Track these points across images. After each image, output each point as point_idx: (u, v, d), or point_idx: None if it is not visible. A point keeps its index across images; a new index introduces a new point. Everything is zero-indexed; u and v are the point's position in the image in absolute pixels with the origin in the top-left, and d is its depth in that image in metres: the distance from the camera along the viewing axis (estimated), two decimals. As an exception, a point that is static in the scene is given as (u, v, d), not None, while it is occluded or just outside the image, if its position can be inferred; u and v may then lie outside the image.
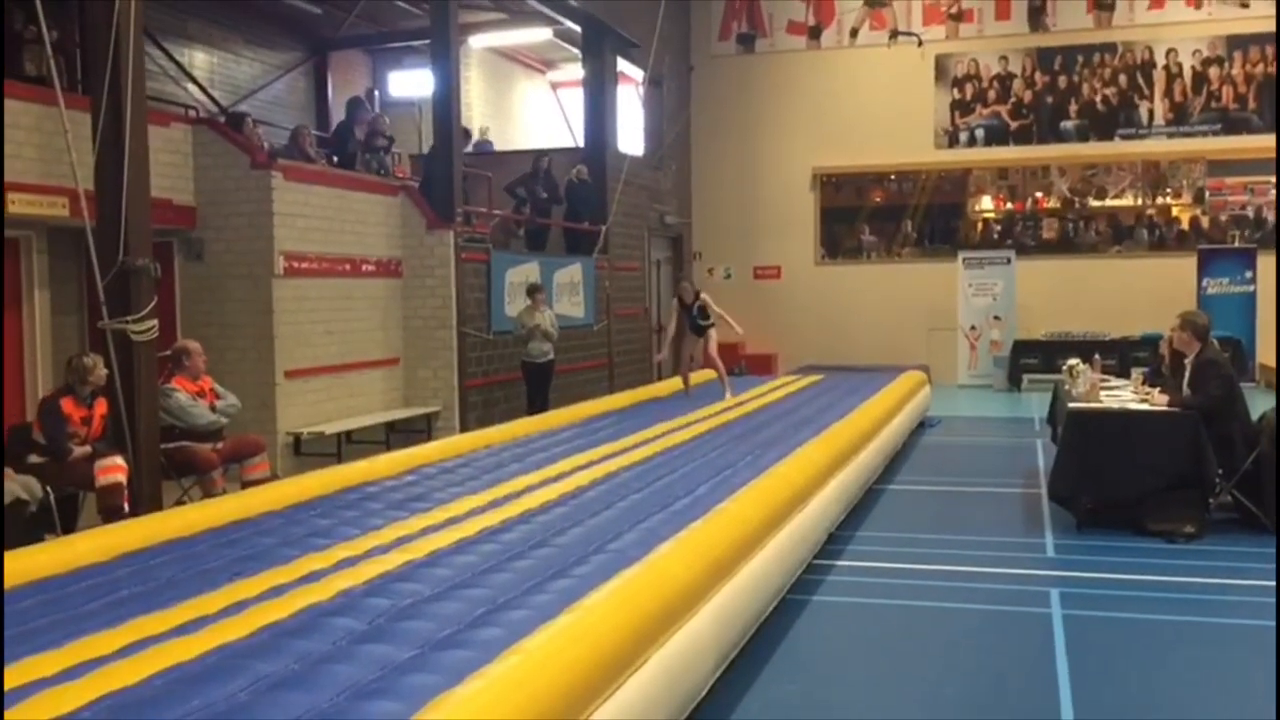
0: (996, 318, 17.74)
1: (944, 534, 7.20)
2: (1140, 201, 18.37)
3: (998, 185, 19.00)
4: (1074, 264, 18.43)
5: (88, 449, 6.63)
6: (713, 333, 10.78)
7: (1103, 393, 8.05)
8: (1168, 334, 8.12)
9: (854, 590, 5.93)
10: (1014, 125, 18.83)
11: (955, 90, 19.02)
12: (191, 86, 12.35)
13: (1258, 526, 6.92)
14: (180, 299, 9.28)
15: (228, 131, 9.58)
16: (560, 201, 14.05)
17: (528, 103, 18.27)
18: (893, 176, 19.37)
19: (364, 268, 10.55)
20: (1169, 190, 18.24)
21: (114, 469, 6.52)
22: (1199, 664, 4.78)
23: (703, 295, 10.87)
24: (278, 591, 3.86)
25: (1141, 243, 18.33)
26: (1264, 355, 16.11)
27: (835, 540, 6.77)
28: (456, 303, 11.08)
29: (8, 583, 3.95)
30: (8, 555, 4.23)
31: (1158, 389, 7.69)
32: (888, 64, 18.60)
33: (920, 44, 18.16)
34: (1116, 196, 18.46)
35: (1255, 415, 7.27)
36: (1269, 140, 17.15)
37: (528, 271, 12.45)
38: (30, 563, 4.23)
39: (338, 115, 13.26)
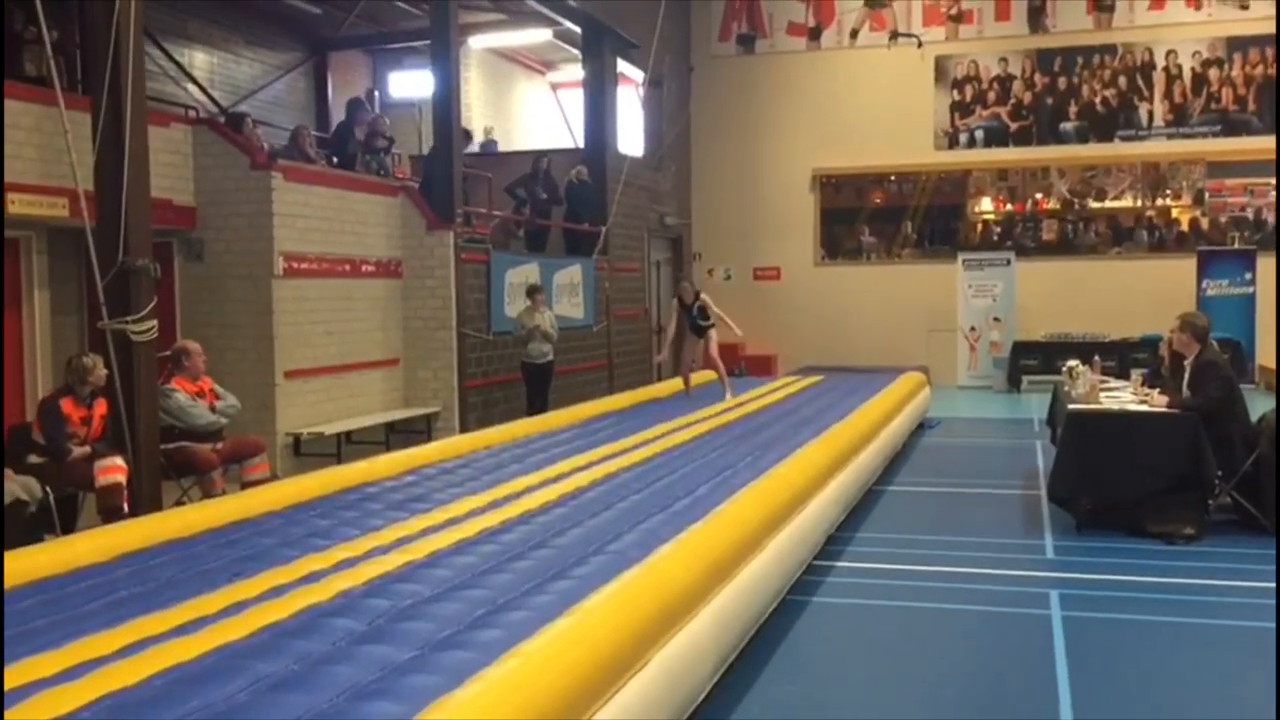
0: (996, 319, 17.74)
1: (943, 535, 7.19)
2: (1140, 203, 18.37)
3: (997, 186, 19.01)
4: (1074, 265, 18.43)
5: (87, 449, 6.63)
6: (713, 333, 10.77)
7: (1102, 394, 8.05)
8: (1167, 335, 8.13)
9: (853, 591, 5.93)
10: (1014, 126, 18.83)
11: (955, 91, 19.02)
12: (191, 87, 12.35)
13: (1257, 528, 6.92)
14: (180, 299, 9.28)
15: (228, 132, 9.58)
16: (560, 202, 14.06)
17: (527, 104, 18.27)
18: (892, 178, 19.38)
19: (364, 268, 10.55)
20: (1169, 192, 18.25)
21: (113, 469, 6.51)
22: (1198, 665, 4.78)
23: (703, 296, 10.86)
24: (277, 592, 3.86)
25: (1141, 244, 18.34)
26: (1263, 357, 16.12)
27: (835, 541, 6.77)
28: (456, 303, 11.08)
29: (7, 583, 3.95)
30: (7, 555, 4.23)
31: (1157, 390, 7.69)
32: (888, 65, 18.61)
33: (920, 45, 18.17)
34: (1116, 198, 18.47)
35: (1255, 417, 7.27)
36: (1269, 142, 17.15)
37: (527, 272, 12.45)
38: (30, 563, 4.23)
39: (338, 116, 13.26)
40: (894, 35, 18.30)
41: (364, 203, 10.61)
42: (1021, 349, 17.25)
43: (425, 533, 4.82)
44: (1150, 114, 18.28)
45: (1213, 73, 17.98)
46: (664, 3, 13.71)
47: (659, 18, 13.80)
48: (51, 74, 6.99)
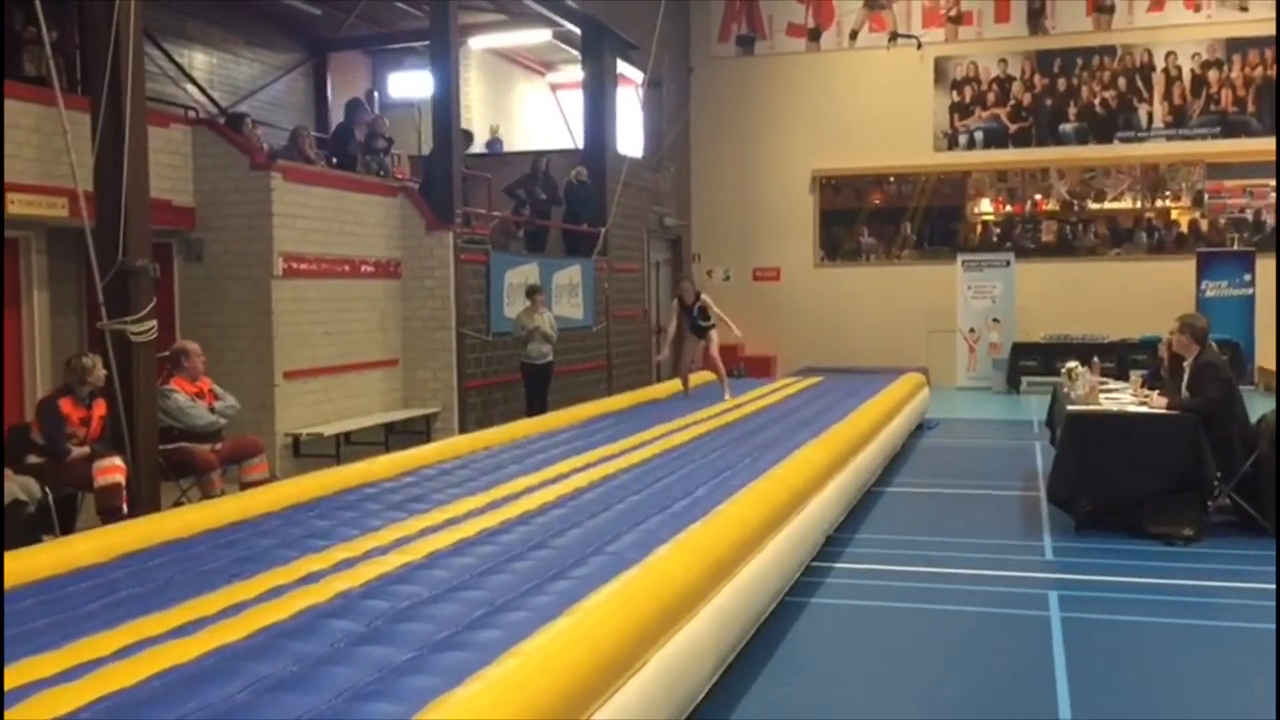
0: (995, 320, 17.75)
1: (942, 536, 7.19)
2: (1139, 204, 18.38)
3: (997, 188, 19.01)
4: (1073, 266, 18.44)
5: (86, 450, 6.63)
6: (713, 334, 10.72)
7: (1101, 395, 8.06)
8: (1166, 337, 8.13)
9: (853, 592, 5.92)
10: (1013, 128, 18.84)
11: (954, 93, 19.03)
12: (191, 87, 12.35)
13: (1256, 529, 6.93)
14: (179, 300, 9.28)
15: (227, 132, 9.58)
16: (559, 203, 14.06)
17: (527, 104, 18.27)
18: (892, 179, 19.39)
19: (363, 269, 10.54)
20: (1168, 193, 18.26)
21: (112, 470, 6.51)
22: (1197, 667, 4.78)
23: (703, 296, 10.81)
24: (276, 593, 3.86)
25: (1140, 245, 18.35)
26: (1263, 358, 16.13)
27: (834, 542, 6.77)
28: (455, 304, 11.08)
29: (6, 583, 3.95)
30: (6, 556, 4.23)
31: (1156, 391, 7.69)
32: (887, 66, 18.61)
33: (919, 46, 18.18)
34: (1115, 199, 18.47)
35: (1254, 418, 7.27)
36: (1268, 143, 17.16)
37: (527, 273, 12.45)
38: (29, 563, 4.23)
39: (337, 116, 13.26)
40: (893, 36, 18.30)
41: (363, 203, 10.61)
42: (1021, 350, 17.26)
43: (424, 533, 4.82)
44: (1150, 115, 18.29)
45: (1212, 74, 17.99)
46: (663, 4, 13.71)
47: (658, 19, 13.80)
48: (51, 74, 6.99)
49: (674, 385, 11.74)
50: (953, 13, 18.91)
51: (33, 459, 6.52)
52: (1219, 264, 17.00)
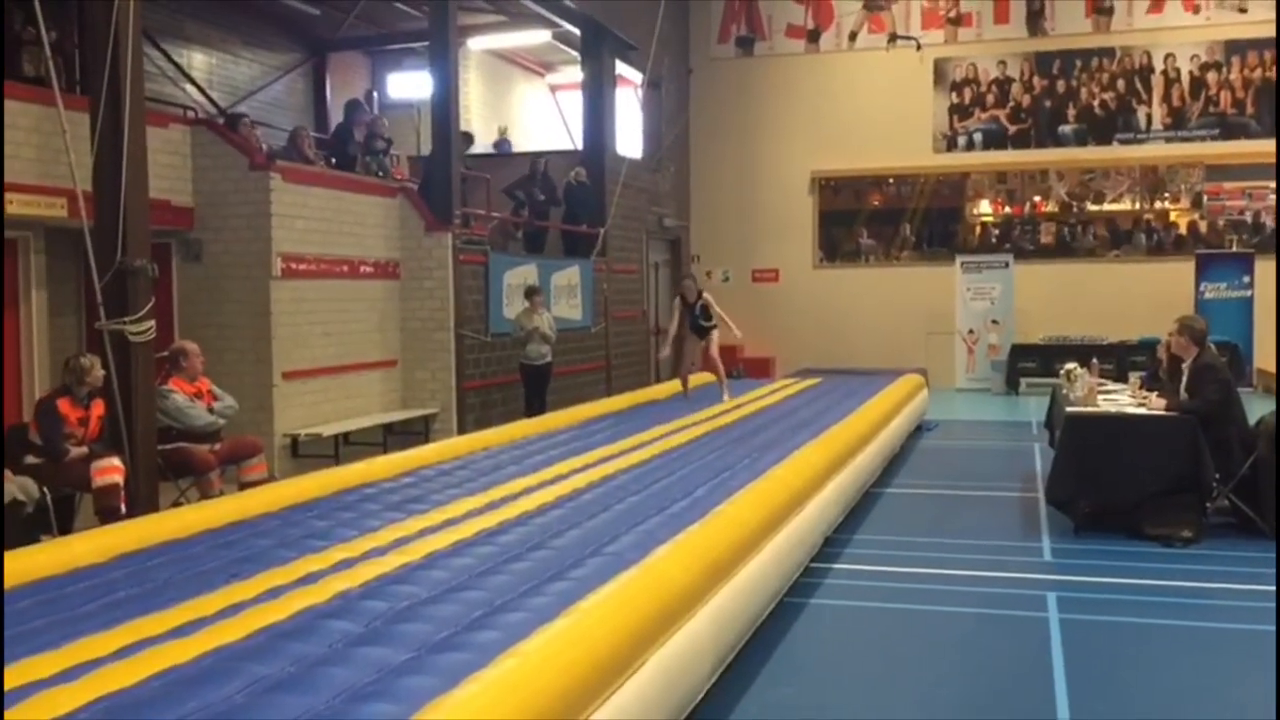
0: (994, 321, 17.75)
1: (941, 537, 7.19)
2: (1138, 206, 18.39)
3: (996, 189, 19.02)
4: (1072, 268, 18.45)
5: (84, 450, 6.63)
6: (715, 335, 10.61)
7: (1100, 397, 8.06)
8: (1165, 338, 8.13)
9: (851, 593, 5.92)
10: (1012, 129, 18.85)
11: (954, 94, 19.04)
12: (190, 88, 12.34)
13: (1255, 531, 6.93)
14: (178, 300, 9.27)
15: (226, 133, 9.58)
16: (558, 203, 14.06)
17: (526, 105, 18.28)
18: (891, 180, 19.40)
19: (362, 269, 10.54)
20: (1167, 195, 18.27)
21: (111, 470, 6.50)
22: (1195, 668, 4.78)
23: (705, 295, 10.65)
24: (275, 593, 3.85)
25: (1139, 247, 18.36)
26: (1261, 360, 16.13)
27: (833, 543, 6.77)
28: (454, 304, 11.07)
29: (4, 584, 3.94)
30: (4, 556, 4.22)
31: (1155, 393, 7.69)
32: (886, 68, 18.62)
33: (919, 48, 18.19)
34: (1114, 201, 18.49)
35: (1252, 420, 7.27)
36: (1267, 145, 17.17)
37: (526, 273, 12.46)
38: (27, 564, 4.22)
39: (336, 117, 13.26)
40: (893, 38, 18.32)
41: (362, 204, 10.61)
42: (1020, 351, 17.26)
43: (423, 534, 4.82)
44: (1149, 117, 18.30)
45: (1211, 76, 18.01)
46: (663, 5, 13.72)
47: (658, 19, 13.81)
48: (50, 74, 6.98)
49: (673, 386, 11.74)
50: (952, 14, 18.92)
51: (31, 459, 6.52)
52: (1218, 266, 17.01)
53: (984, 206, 19.06)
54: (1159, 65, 18.19)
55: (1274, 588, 5.72)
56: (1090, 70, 18.45)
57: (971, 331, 17.90)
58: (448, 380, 11.10)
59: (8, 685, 2.93)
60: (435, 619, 3.47)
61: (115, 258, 6.94)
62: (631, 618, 3.47)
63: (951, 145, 19.10)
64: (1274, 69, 17.59)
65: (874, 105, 18.98)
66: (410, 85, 15.45)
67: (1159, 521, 6.86)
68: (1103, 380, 9.13)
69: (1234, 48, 17.87)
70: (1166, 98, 18.20)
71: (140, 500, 6.78)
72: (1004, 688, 4.58)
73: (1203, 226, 18.11)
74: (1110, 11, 18.31)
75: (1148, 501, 6.89)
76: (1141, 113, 18.32)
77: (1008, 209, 18.96)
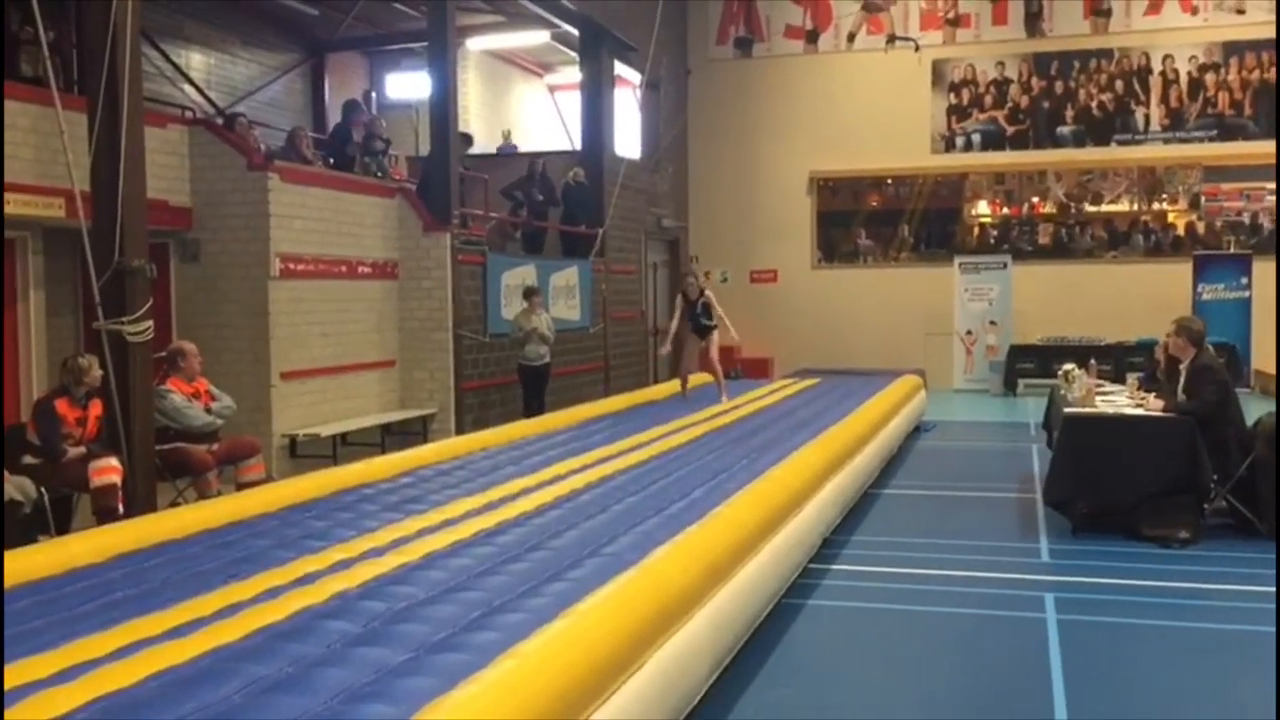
0: (992, 322, 17.76)
1: (939, 538, 7.20)
2: (1136, 207, 18.41)
3: (994, 190, 19.03)
4: (1070, 269, 18.46)
5: (82, 450, 6.62)
6: (715, 335, 10.46)
7: (1098, 398, 8.06)
8: (1163, 339, 8.13)
9: (849, 594, 5.93)
10: (1010, 130, 18.87)
11: (952, 95, 19.05)
12: (188, 88, 12.34)
13: (1252, 532, 6.93)
14: (176, 300, 9.27)
15: (224, 133, 9.58)
16: (556, 204, 14.06)
17: (525, 106, 18.28)
18: (889, 181, 19.41)
19: (360, 269, 10.54)
20: (1165, 196, 18.29)
21: (108, 470, 6.50)
22: (1193, 669, 4.79)
23: (707, 292, 10.49)
24: (272, 594, 3.85)
25: (1137, 248, 18.37)
26: (1259, 361, 16.15)
27: (831, 544, 6.77)
28: (453, 305, 11.07)
29: (3, 584, 3.94)
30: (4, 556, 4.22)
31: (1153, 394, 7.70)
32: (885, 69, 18.63)
33: (917, 49, 18.20)
34: (1112, 202, 18.50)
35: (1250, 421, 7.28)
36: (1265, 146, 17.20)
37: (524, 274, 12.45)
38: (24, 564, 4.22)
39: (335, 117, 13.25)
40: (891, 39, 18.31)
41: (360, 204, 10.61)
42: (1018, 352, 17.27)
43: (421, 535, 4.82)
44: (1147, 118, 18.32)
45: (1209, 77, 18.03)
46: (661, 6, 13.72)
47: (656, 20, 13.82)
48: (48, 74, 6.98)
49: (671, 387, 11.73)
50: (950, 15, 18.93)
51: (28, 459, 6.51)
52: (1215, 267, 17.03)
53: (982, 207, 19.08)
54: (1157, 66, 18.21)
55: (1271, 588, 5.73)
56: (1088, 71, 18.47)
57: (970, 332, 17.92)
58: (446, 381, 11.09)
59: (6, 685, 2.93)
60: (433, 620, 3.47)
61: (113, 258, 6.94)
62: (630, 619, 3.47)
63: (950, 146, 19.11)
64: (1272, 70, 17.61)
65: (872, 106, 18.99)
66: (409, 86, 15.45)
67: (1156, 522, 6.87)
68: (1100, 381, 9.13)
69: (1232, 49, 17.89)
70: (1164, 99, 18.22)
71: (138, 500, 6.77)
72: (1002, 688, 4.58)
73: (1200, 227, 18.13)
74: (1108, 13, 18.33)
75: (1145, 502, 6.90)
76: (1139, 114, 18.33)
77: (1006, 210, 18.97)
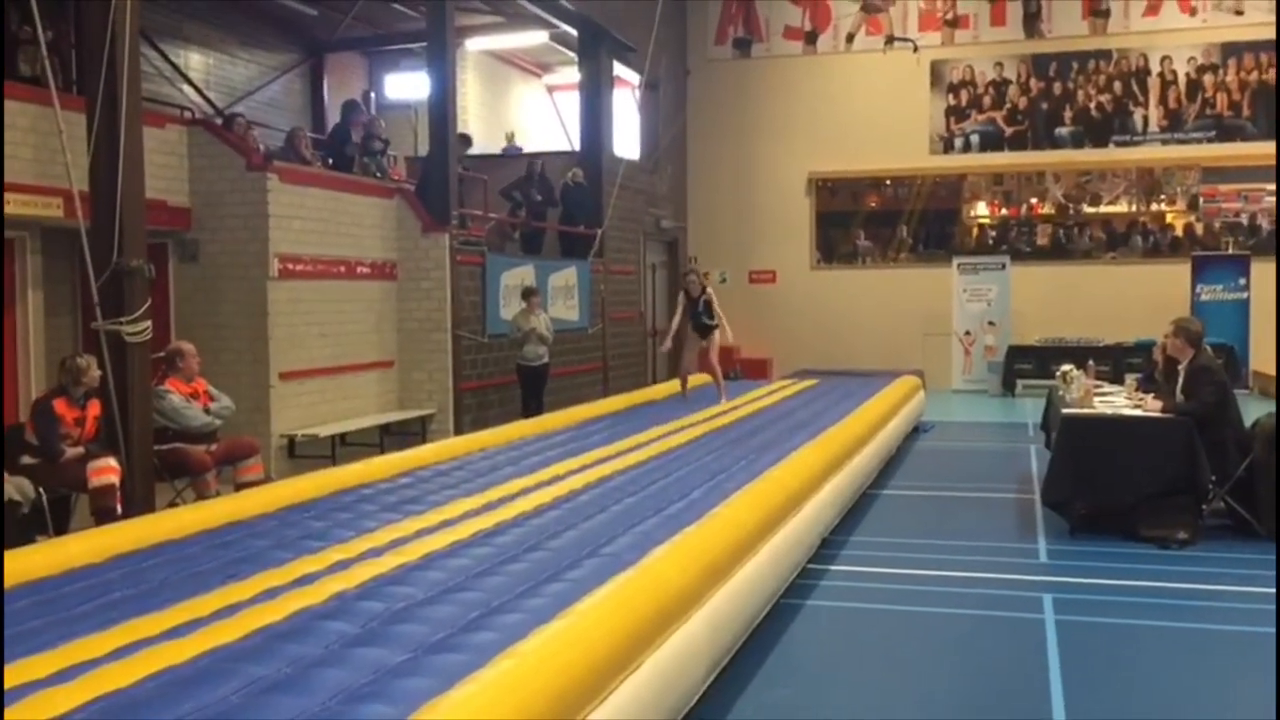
0: (991, 323, 17.77)
1: (938, 539, 7.20)
2: (1134, 208, 18.42)
3: (993, 191, 19.04)
4: (1068, 270, 18.47)
5: (80, 450, 6.62)
6: (716, 336, 10.39)
7: (1096, 399, 8.07)
8: (1161, 340, 8.13)
9: (848, 595, 5.93)
10: (1009, 131, 18.88)
11: (950, 96, 19.06)
12: (187, 88, 12.34)
13: (1251, 533, 6.94)
14: (175, 300, 9.27)
15: (223, 133, 9.58)
16: (555, 204, 14.06)
17: (524, 106, 18.28)
18: (888, 182, 19.41)
19: (359, 270, 10.54)
20: (1163, 197, 18.30)
21: (107, 470, 6.50)
22: (1191, 670, 4.79)
23: (709, 290, 10.40)
24: (271, 594, 3.85)
25: (1136, 249, 18.38)
26: (1257, 362, 16.16)
27: (829, 545, 6.78)
28: (451, 305, 11.07)
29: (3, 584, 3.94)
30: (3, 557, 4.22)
31: (1151, 395, 7.70)
32: (883, 70, 18.64)
33: (916, 50, 18.21)
34: (1111, 203, 18.51)
35: (1248, 422, 7.28)
36: (1263, 147, 17.22)
37: (523, 274, 12.45)
38: (23, 564, 4.22)
39: (333, 117, 13.25)
40: (890, 40, 18.32)
41: (359, 204, 10.61)
42: (1016, 353, 17.28)
43: (419, 535, 4.81)
44: (1145, 119, 18.33)
45: (1207, 78, 18.04)
46: (660, 6, 13.72)
47: (655, 21, 13.81)
48: (47, 74, 6.98)
49: (670, 387, 11.73)
50: (949, 16, 18.94)
51: (27, 459, 6.51)
52: (1214, 268, 17.04)
53: (981, 208, 19.08)
54: (1155, 67, 18.22)
55: (1269, 589, 5.74)
56: (1087, 72, 18.48)
57: (968, 333, 17.92)
58: (445, 381, 11.09)
59: (4, 685, 2.93)
60: (432, 620, 3.47)
61: (112, 258, 6.94)
62: (628, 619, 3.47)
63: (948, 147, 19.12)
64: (1270, 71, 17.63)
65: (871, 107, 19.00)
66: (408, 86, 15.45)
67: (1155, 523, 6.87)
68: (1099, 382, 9.14)
69: (1230, 50, 17.90)
70: (1163, 100, 18.23)
71: (136, 501, 6.77)
72: (1000, 689, 4.58)
73: (1199, 229, 18.14)
74: (1107, 14, 18.35)
75: (1144, 503, 6.90)
76: (1138, 115, 18.35)
77: (1004, 211, 18.98)
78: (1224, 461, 6.97)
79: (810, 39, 19.60)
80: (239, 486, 7.29)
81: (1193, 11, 17.97)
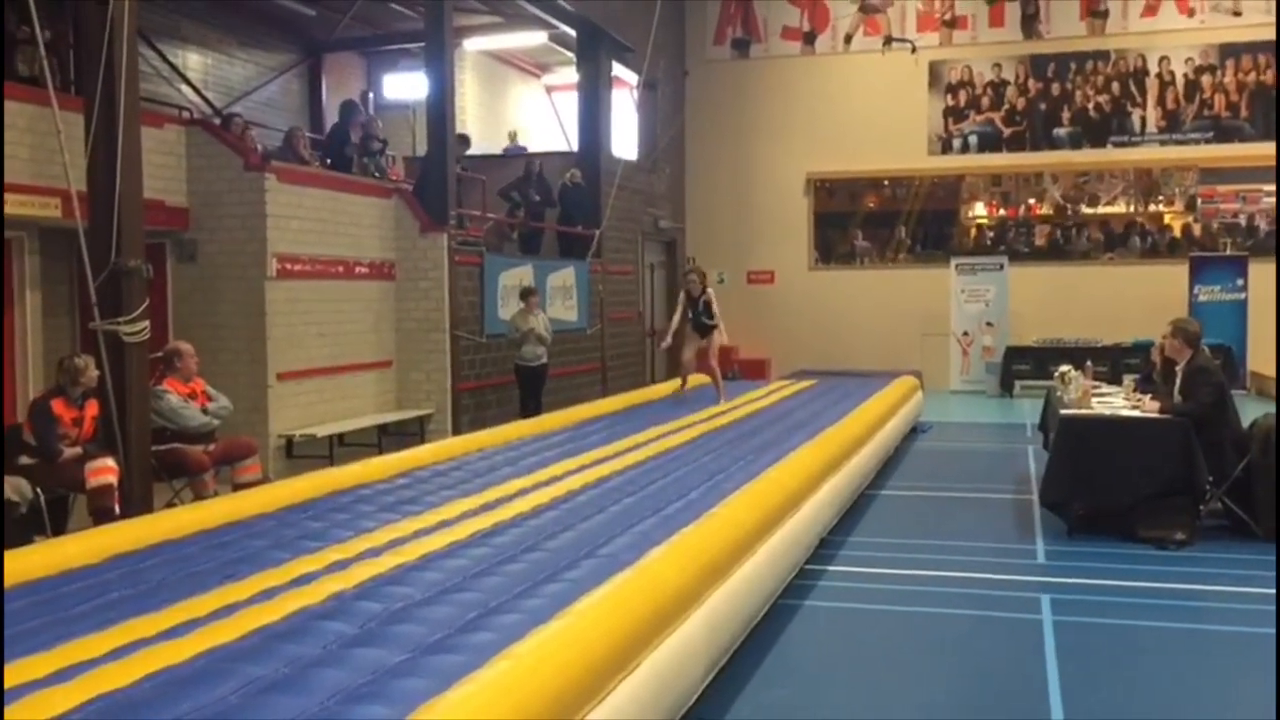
0: (989, 324, 17.78)
1: (936, 539, 7.21)
2: (1132, 209, 18.43)
3: (991, 192, 19.05)
4: (1066, 270, 18.48)
5: (78, 450, 6.61)
6: (715, 336, 10.39)
7: (1094, 399, 8.07)
8: (1159, 341, 8.15)
9: (846, 595, 5.93)
10: (1007, 132, 18.89)
11: (949, 97, 19.07)
12: (185, 88, 12.33)
13: (1248, 533, 6.95)
14: (173, 300, 9.27)
15: (221, 133, 9.58)
16: (553, 205, 14.06)
17: (522, 106, 18.28)
18: (886, 182, 19.42)
19: (357, 270, 10.54)
20: (1161, 198, 18.32)
21: (105, 470, 6.50)
22: (1189, 670, 4.80)
23: (709, 290, 10.39)
24: (269, 594, 3.85)
25: (1133, 250, 18.40)
26: (1255, 363, 16.18)
27: (827, 545, 6.78)
28: (450, 306, 11.07)
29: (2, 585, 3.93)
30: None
31: (1149, 396, 7.71)
32: (882, 70, 18.64)
33: (914, 50, 18.22)
34: (1109, 204, 18.52)
35: (1246, 423, 7.29)
36: (1261, 148, 17.24)
37: (521, 275, 12.45)
38: (20, 564, 4.21)
39: (332, 117, 13.25)
40: (888, 40, 18.33)
41: (358, 204, 10.61)
42: (1014, 354, 17.29)
43: (417, 535, 4.81)
44: (1143, 120, 18.34)
45: (1205, 79, 18.05)
46: (659, 6, 13.73)
47: (654, 21, 13.81)
48: (45, 74, 6.97)
49: (668, 388, 11.73)
50: (947, 17, 18.94)
51: (25, 460, 6.51)
52: (1212, 269, 17.05)
53: (979, 209, 19.09)
54: (1153, 68, 18.23)
55: (1266, 590, 5.75)
56: (1085, 73, 18.49)
57: (966, 334, 17.93)
58: (443, 381, 11.09)
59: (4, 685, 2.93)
60: (430, 620, 3.47)
61: (109, 258, 6.93)
62: (626, 619, 3.47)
63: (946, 148, 19.13)
64: (1268, 72, 17.65)
65: (869, 108, 19.01)
66: (406, 86, 15.45)
67: (1152, 524, 6.88)
68: (1097, 383, 9.14)
69: (1228, 51, 17.92)
70: (1161, 101, 18.24)
71: (134, 501, 6.77)
72: (998, 689, 4.59)
73: (1196, 229, 18.15)
74: (1105, 14, 18.36)
75: (1141, 504, 6.91)
76: (1136, 116, 18.36)
77: (1002, 211, 18.99)
78: (1221, 462, 6.97)
79: (808, 39, 19.60)
80: (237, 487, 7.28)
81: (1191, 12, 17.99)
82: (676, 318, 10.62)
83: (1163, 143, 18.27)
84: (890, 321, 18.74)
